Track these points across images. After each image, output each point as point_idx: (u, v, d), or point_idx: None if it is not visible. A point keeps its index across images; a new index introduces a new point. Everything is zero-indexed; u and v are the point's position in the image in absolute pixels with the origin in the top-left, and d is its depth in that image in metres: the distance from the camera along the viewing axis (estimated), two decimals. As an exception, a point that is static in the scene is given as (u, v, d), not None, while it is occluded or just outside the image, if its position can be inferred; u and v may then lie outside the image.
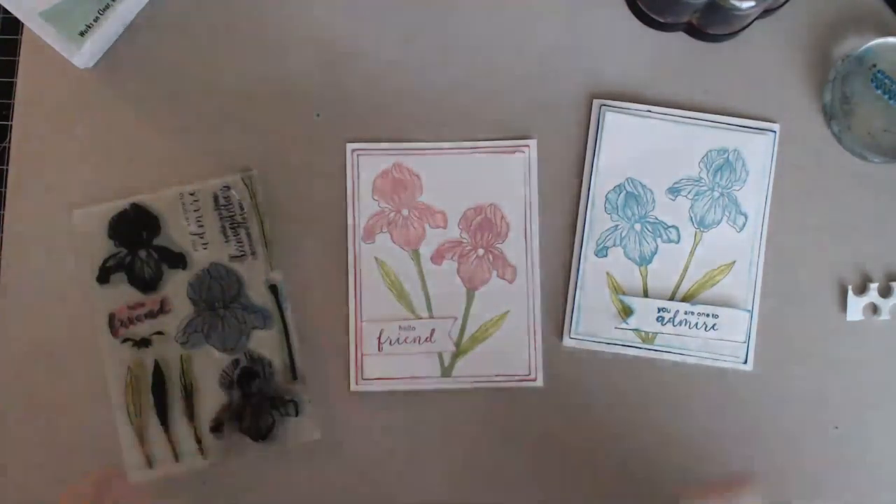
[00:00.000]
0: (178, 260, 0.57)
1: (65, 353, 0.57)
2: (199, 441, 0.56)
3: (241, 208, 0.57)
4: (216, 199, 0.57)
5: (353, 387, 0.57)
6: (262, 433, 0.56)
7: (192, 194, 0.57)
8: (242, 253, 0.57)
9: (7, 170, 0.59)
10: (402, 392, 0.58)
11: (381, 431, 0.57)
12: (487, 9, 0.60)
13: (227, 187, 0.57)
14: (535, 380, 0.57)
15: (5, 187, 0.59)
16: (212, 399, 0.56)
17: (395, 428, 0.57)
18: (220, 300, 0.57)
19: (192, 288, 0.57)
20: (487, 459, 0.57)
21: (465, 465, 0.57)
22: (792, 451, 0.57)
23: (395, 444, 0.57)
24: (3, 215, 0.59)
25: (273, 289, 0.57)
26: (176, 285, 0.57)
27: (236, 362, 0.57)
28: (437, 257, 0.58)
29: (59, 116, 0.59)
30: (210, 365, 0.57)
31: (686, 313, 0.58)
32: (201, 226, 0.57)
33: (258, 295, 0.57)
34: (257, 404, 0.56)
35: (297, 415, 0.56)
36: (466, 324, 0.58)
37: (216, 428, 0.56)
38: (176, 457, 0.56)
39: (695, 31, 0.59)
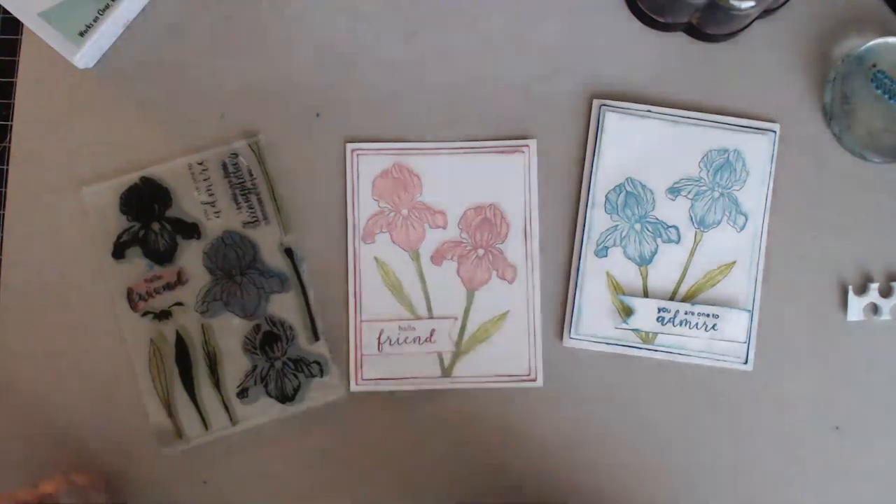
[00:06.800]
0: (191, 230, 0.57)
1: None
2: (227, 408, 0.57)
3: (251, 174, 0.58)
4: (225, 166, 0.58)
5: (353, 387, 0.57)
6: (288, 395, 0.56)
7: (200, 163, 0.58)
8: (255, 219, 0.58)
9: (7, 170, 0.59)
10: (402, 392, 0.58)
11: (381, 431, 0.57)
12: (487, 8, 0.60)
13: (235, 154, 0.57)
14: (535, 380, 0.57)
15: (5, 187, 0.59)
16: (236, 365, 0.57)
17: (395, 428, 0.57)
18: (236, 267, 0.57)
19: (208, 257, 0.57)
20: (487, 459, 0.57)
21: (465, 465, 0.57)
22: (792, 451, 0.57)
23: (395, 444, 0.57)
24: (4, 215, 0.59)
25: (288, 252, 0.57)
26: (191, 255, 0.57)
27: (258, 327, 0.57)
28: (437, 257, 0.58)
29: (59, 116, 0.59)
30: (232, 332, 0.57)
31: (686, 313, 0.57)
32: (212, 195, 0.57)
33: (274, 259, 0.57)
34: (282, 367, 0.57)
35: (322, 375, 0.57)
36: (466, 324, 0.58)
37: (243, 393, 0.57)
38: (205, 425, 0.57)
39: (695, 31, 0.59)
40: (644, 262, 0.58)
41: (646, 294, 0.58)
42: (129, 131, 0.59)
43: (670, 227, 0.58)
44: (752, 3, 0.53)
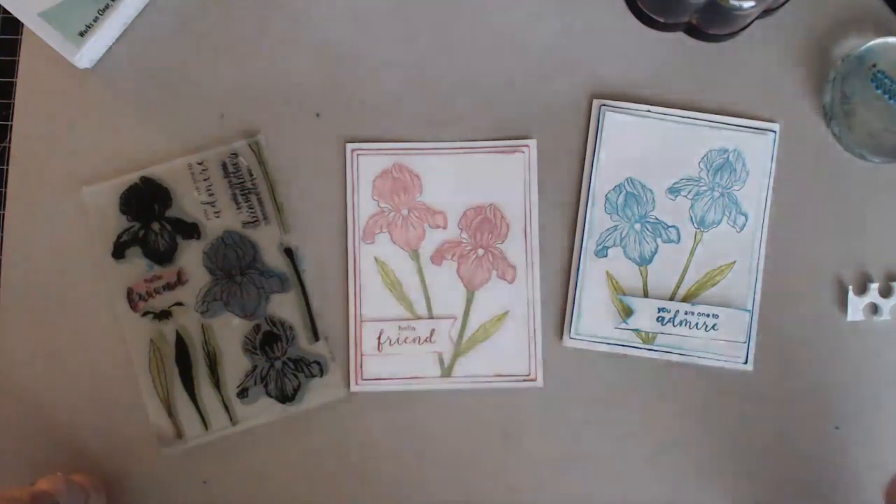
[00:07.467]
0: (191, 230, 0.57)
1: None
2: (227, 408, 0.57)
3: (251, 174, 0.58)
4: (224, 166, 0.58)
5: (353, 387, 0.57)
6: (288, 395, 0.57)
7: (200, 163, 0.58)
8: (255, 219, 0.58)
9: (7, 170, 0.59)
10: (402, 392, 0.58)
11: (381, 431, 0.57)
12: (487, 9, 0.60)
13: (235, 154, 0.57)
14: (535, 380, 0.57)
15: (5, 187, 0.59)
16: (236, 365, 0.57)
17: (395, 428, 0.57)
18: (236, 267, 0.57)
19: (208, 257, 0.57)
20: (487, 459, 0.57)
21: (465, 465, 0.57)
22: (792, 451, 0.57)
23: (395, 444, 0.57)
24: (4, 215, 0.59)
25: (288, 252, 0.57)
26: (191, 255, 0.57)
27: (257, 327, 0.57)
28: (437, 257, 0.58)
29: (59, 116, 0.59)
30: (231, 332, 0.57)
31: (686, 313, 0.57)
32: (212, 194, 0.57)
33: (274, 259, 0.57)
34: (282, 367, 0.57)
35: (322, 374, 0.57)
36: (466, 324, 0.58)
37: (243, 393, 0.57)
38: (205, 425, 0.57)
39: (695, 31, 0.59)
40: (644, 262, 0.58)
41: (646, 294, 0.58)
42: (129, 131, 0.59)
43: (670, 227, 0.58)
44: (752, 3, 0.53)
